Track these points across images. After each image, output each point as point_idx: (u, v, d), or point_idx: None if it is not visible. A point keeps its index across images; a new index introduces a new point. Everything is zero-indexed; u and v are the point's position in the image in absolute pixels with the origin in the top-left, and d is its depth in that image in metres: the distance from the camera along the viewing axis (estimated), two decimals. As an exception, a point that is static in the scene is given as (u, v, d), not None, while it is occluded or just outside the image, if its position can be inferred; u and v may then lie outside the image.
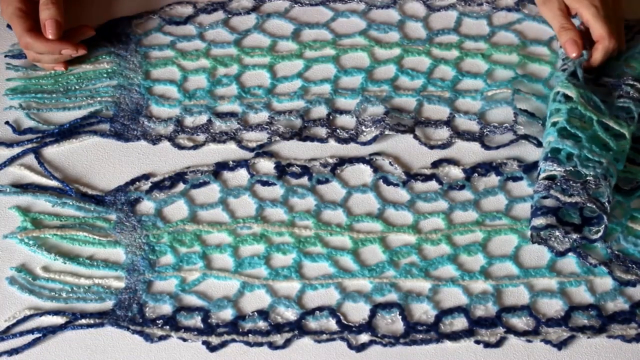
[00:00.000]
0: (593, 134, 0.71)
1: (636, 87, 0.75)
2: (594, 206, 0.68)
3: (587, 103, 0.72)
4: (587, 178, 0.69)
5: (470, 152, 0.78)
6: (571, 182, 0.69)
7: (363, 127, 0.79)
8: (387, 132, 0.78)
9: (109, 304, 0.71)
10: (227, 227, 0.74)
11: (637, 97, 0.74)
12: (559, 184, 0.69)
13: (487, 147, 0.78)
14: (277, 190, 0.76)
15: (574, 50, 0.75)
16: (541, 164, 0.72)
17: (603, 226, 0.69)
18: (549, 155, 0.71)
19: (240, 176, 0.77)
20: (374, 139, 0.78)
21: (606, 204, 0.69)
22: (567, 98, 0.73)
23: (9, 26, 0.85)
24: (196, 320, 0.70)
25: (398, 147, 0.78)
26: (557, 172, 0.70)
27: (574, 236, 0.70)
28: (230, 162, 0.77)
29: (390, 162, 0.77)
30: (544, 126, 0.75)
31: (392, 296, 0.71)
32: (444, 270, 0.72)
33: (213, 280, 0.72)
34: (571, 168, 0.70)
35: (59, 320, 0.70)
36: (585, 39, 0.77)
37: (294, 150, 0.78)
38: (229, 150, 0.78)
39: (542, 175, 0.71)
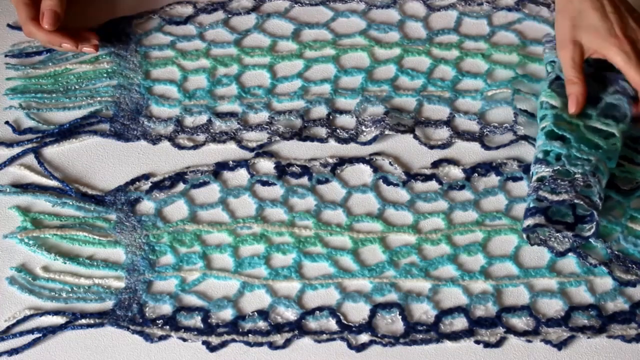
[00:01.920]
0: (582, 134, 0.71)
1: None
2: (582, 202, 0.68)
3: None
4: (575, 176, 0.69)
5: (470, 152, 0.78)
6: (559, 181, 0.69)
7: (363, 127, 0.79)
8: (387, 132, 0.78)
9: (109, 304, 0.71)
10: (227, 227, 0.74)
11: (632, 93, 0.74)
12: (547, 184, 0.69)
13: (487, 147, 0.78)
14: (277, 190, 0.76)
15: (573, 107, 0.72)
16: (532, 168, 0.72)
17: (595, 223, 0.69)
18: (539, 158, 0.71)
19: (240, 176, 0.77)
20: (374, 139, 0.78)
21: (597, 200, 0.68)
22: (553, 105, 0.73)
23: (9, 25, 0.85)
24: (196, 320, 0.70)
25: (398, 147, 0.78)
26: (545, 172, 0.70)
27: (568, 234, 0.70)
28: (230, 162, 0.77)
29: (390, 162, 0.77)
30: (544, 127, 0.75)
31: (392, 296, 0.71)
32: (444, 270, 0.72)
33: (213, 280, 0.72)
34: (559, 167, 0.69)
35: (59, 320, 0.70)
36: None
37: (294, 150, 0.78)
38: (229, 150, 0.78)
39: (534, 178, 0.71)
